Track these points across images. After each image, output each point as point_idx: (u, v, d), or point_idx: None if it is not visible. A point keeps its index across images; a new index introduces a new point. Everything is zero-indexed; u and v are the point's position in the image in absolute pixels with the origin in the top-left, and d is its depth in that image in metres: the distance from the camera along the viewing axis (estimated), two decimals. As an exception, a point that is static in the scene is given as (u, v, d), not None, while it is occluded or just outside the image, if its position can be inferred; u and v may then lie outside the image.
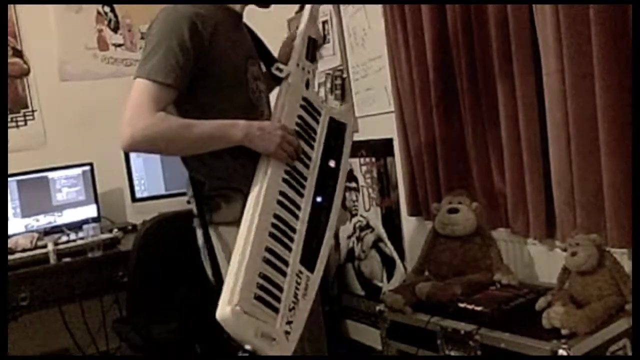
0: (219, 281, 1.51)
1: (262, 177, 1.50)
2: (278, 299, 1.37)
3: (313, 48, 1.79)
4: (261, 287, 1.35)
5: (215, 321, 1.32)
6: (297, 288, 1.42)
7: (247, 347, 1.29)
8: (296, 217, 1.51)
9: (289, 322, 1.37)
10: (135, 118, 1.43)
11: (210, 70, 1.54)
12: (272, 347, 1.31)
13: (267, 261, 1.40)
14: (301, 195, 1.55)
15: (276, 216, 1.47)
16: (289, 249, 1.46)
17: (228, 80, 1.58)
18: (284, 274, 1.41)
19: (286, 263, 1.43)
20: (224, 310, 1.28)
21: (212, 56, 1.53)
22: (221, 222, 1.59)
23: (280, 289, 1.39)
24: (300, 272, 1.45)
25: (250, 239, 1.40)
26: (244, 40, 1.69)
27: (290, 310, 1.38)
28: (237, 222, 1.56)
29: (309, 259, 1.48)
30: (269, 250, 1.42)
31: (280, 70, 1.71)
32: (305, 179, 1.59)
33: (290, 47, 1.80)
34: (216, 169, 1.59)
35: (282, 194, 1.51)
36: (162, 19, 1.50)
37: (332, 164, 1.66)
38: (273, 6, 1.77)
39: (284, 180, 1.53)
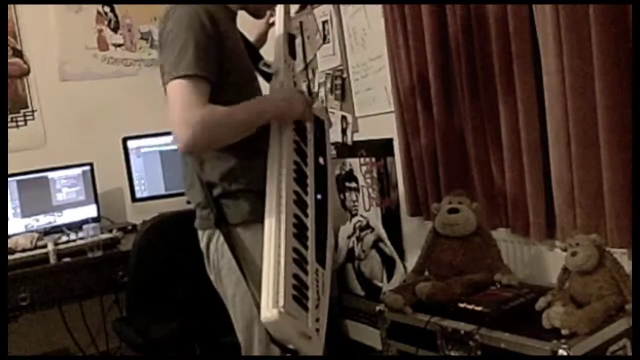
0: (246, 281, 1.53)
1: (278, 177, 1.51)
2: (307, 298, 1.38)
3: (292, 43, 1.81)
4: (295, 287, 1.36)
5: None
6: (317, 285, 1.44)
7: (291, 346, 1.31)
8: (307, 215, 1.53)
9: (317, 320, 1.38)
10: (190, 117, 1.41)
11: (224, 64, 1.54)
12: (309, 345, 1.33)
13: (296, 261, 1.41)
14: (307, 193, 1.57)
15: (295, 216, 1.48)
16: (307, 247, 1.47)
17: (239, 75, 1.59)
18: (306, 272, 1.43)
19: (307, 262, 1.45)
20: (270, 313, 1.29)
21: (225, 50, 1.53)
22: (232, 223, 1.59)
23: (307, 288, 1.40)
24: (317, 269, 1.47)
25: (282, 241, 1.40)
26: (239, 38, 1.70)
27: (316, 307, 1.40)
28: (246, 223, 1.57)
29: (320, 255, 1.50)
30: (295, 250, 1.43)
31: (268, 66, 1.72)
32: (307, 176, 1.60)
33: (260, 34, 1.89)
34: (228, 169, 1.59)
35: (296, 193, 1.52)
36: (179, 16, 1.49)
37: (321, 160, 1.69)
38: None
39: (295, 179, 1.54)
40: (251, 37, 1.91)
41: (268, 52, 1.89)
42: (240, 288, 1.57)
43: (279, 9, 1.84)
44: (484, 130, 2.18)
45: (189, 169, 1.66)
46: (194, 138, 1.41)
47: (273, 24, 1.91)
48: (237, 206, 1.58)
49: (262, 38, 2.02)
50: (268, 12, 1.92)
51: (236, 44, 1.63)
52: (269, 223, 1.45)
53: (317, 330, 1.37)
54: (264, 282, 1.35)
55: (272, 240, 1.41)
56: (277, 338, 1.31)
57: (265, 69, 1.73)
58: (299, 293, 1.36)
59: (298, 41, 2.89)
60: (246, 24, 1.85)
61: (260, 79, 1.78)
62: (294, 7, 2.88)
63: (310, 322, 1.36)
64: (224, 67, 1.53)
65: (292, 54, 1.79)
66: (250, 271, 1.55)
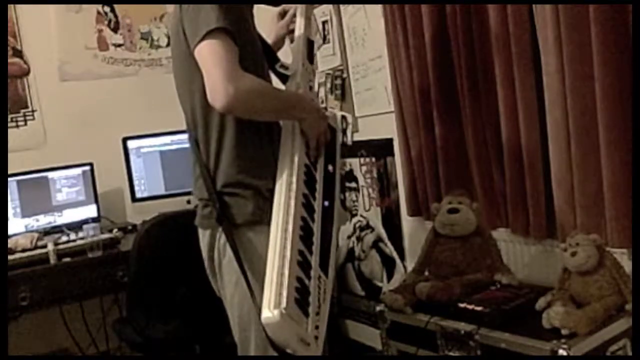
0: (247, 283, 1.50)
1: (289, 177, 1.48)
2: (309, 303, 1.34)
3: (311, 49, 1.79)
4: (297, 291, 1.32)
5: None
6: (319, 292, 1.40)
7: (289, 351, 1.26)
8: (313, 220, 1.50)
9: (317, 327, 1.34)
10: (237, 75, 1.39)
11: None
12: (307, 352, 1.28)
13: (300, 264, 1.37)
14: (315, 198, 1.54)
15: (303, 219, 1.45)
16: (312, 252, 1.44)
17: (252, 70, 1.54)
18: (310, 277, 1.39)
19: (311, 267, 1.41)
20: (271, 314, 1.24)
21: (240, 43, 1.50)
22: (235, 223, 1.56)
23: (309, 293, 1.36)
24: (320, 276, 1.43)
25: (288, 241, 1.37)
26: (256, 36, 1.69)
27: (317, 314, 1.35)
28: (249, 223, 1.54)
29: (324, 263, 1.47)
30: (300, 253, 1.39)
31: (286, 68, 1.71)
32: (316, 181, 1.58)
33: (278, 38, 1.85)
34: (240, 162, 1.56)
35: (305, 196, 1.49)
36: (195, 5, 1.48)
37: (330, 168, 1.67)
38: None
39: (305, 182, 1.52)
40: (268, 40, 1.87)
41: (286, 55, 1.87)
42: (239, 289, 1.54)
43: (300, 10, 1.82)
44: (484, 130, 2.18)
45: (198, 161, 1.61)
46: (235, 95, 1.37)
47: (293, 30, 1.88)
48: (241, 206, 1.55)
49: (279, 42, 1.95)
50: (289, 15, 1.88)
51: (254, 40, 1.60)
52: (276, 221, 1.41)
53: (316, 337, 1.33)
54: (266, 281, 1.31)
55: (279, 239, 1.36)
56: (275, 341, 1.26)
57: (282, 70, 1.71)
58: (301, 297, 1.32)
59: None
60: (265, 27, 1.84)
61: (277, 80, 1.76)
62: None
63: (310, 328, 1.31)
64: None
65: (310, 58, 1.77)
66: (251, 273, 1.52)
